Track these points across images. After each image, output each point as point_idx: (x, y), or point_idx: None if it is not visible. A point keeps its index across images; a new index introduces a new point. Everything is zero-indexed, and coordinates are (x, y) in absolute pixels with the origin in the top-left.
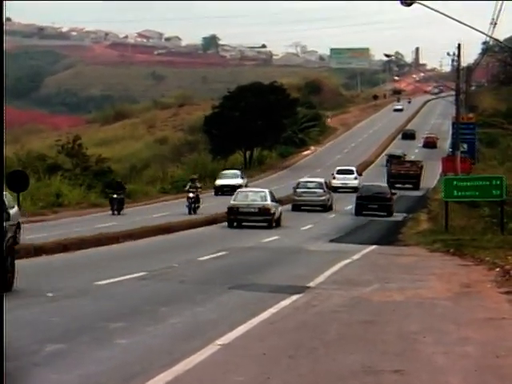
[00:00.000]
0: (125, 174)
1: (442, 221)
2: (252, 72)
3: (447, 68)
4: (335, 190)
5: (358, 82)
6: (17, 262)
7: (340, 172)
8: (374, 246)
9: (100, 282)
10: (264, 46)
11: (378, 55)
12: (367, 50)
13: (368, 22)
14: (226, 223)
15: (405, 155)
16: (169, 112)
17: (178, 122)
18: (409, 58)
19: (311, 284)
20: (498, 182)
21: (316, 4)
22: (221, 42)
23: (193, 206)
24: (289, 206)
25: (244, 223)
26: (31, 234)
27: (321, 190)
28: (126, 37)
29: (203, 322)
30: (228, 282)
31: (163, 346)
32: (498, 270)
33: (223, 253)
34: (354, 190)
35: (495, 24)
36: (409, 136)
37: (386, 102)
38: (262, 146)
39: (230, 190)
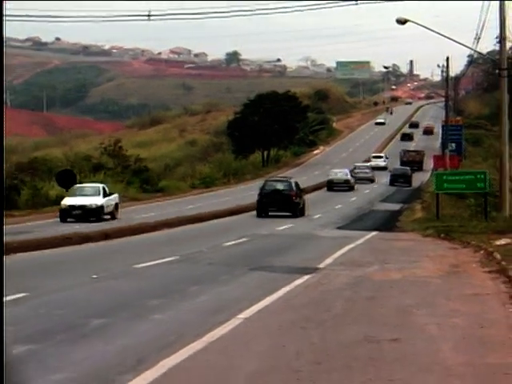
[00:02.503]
0: (160, 171)
1: (434, 210)
2: (269, 83)
3: (438, 78)
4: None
5: (361, 90)
6: (66, 249)
7: (374, 157)
8: (375, 232)
9: (138, 266)
10: (279, 60)
11: (378, 67)
12: (368, 62)
13: (369, 38)
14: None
15: (412, 134)
16: (197, 118)
17: (205, 127)
18: (404, 70)
19: (320, 265)
20: (482, 176)
21: (324, 24)
22: (242, 57)
23: None
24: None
25: (335, 188)
26: (79, 224)
27: (369, 170)
28: (160, 53)
29: (227, 299)
30: (249, 264)
31: (193, 320)
32: (482, 252)
33: (245, 239)
34: (383, 168)
35: (479, 39)
36: (414, 125)
37: (384, 107)
38: (278, 146)
39: (83, 214)
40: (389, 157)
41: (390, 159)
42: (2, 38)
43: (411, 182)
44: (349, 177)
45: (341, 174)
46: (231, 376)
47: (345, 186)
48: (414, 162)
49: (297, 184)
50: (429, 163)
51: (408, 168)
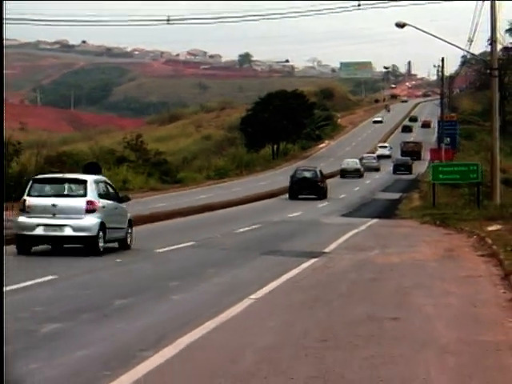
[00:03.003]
0: (178, 164)
1: (430, 199)
2: (278, 82)
3: (434, 77)
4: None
5: (363, 89)
6: None
7: (380, 147)
8: (376, 220)
9: (159, 250)
10: (287, 61)
11: (379, 67)
12: (370, 63)
13: (370, 40)
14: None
15: (412, 126)
16: (212, 114)
17: (220, 123)
18: (403, 69)
19: (326, 250)
20: (475, 168)
21: (329, 27)
22: (253, 59)
23: None
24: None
25: (347, 176)
26: None
27: (375, 160)
28: (178, 55)
29: (240, 281)
30: (260, 248)
31: (209, 300)
32: (475, 237)
33: (257, 226)
34: (388, 157)
35: (471, 41)
36: (413, 119)
37: (384, 104)
38: (287, 140)
39: None
40: (392, 147)
41: (394, 149)
42: (2, 38)
43: (411, 170)
44: (359, 166)
45: (352, 163)
46: (243, 352)
47: (355, 174)
48: (412, 152)
49: (321, 172)
50: (426, 154)
51: (408, 158)
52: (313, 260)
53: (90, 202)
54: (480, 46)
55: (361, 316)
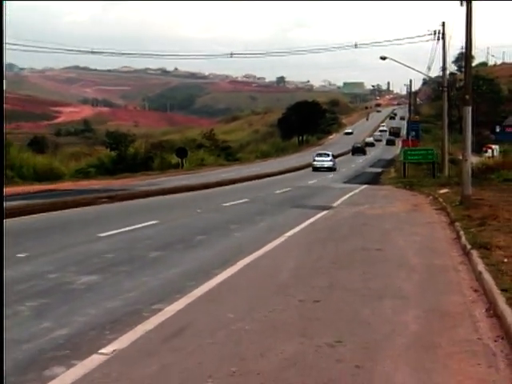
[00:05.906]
0: (237, 148)
1: (402, 172)
2: (302, 95)
3: (404, 92)
4: (380, 131)
5: (357, 100)
6: (179, 195)
7: (381, 126)
8: (366, 185)
9: (225, 204)
10: (309, 81)
11: (368, 86)
12: (362, 83)
13: (363, 68)
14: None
15: (395, 115)
16: (259, 116)
17: (264, 122)
18: (384, 87)
19: (334, 205)
20: (432, 152)
21: (335, 59)
22: (286, 80)
23: None
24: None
25: (367, 146)
26: (188, 180)
27: (380, 136)
28: (237, 77)
29: (278, 225)
30: (290, 204)
31: (257, 236)
32: (431, 197)
33: (288, 189)
34: (385, 131)
35: (430, 68)
36: (395, 114)
37: (371, 110)
38: (308, 133)
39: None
40: (387, 126)
41: (388, 128)
42: (2, 38)
43: (395, 144)
44: (373, 141)
45: (370, 139)
46: (279, 270)
47: (372, 145)
48: (395, 132)
49: (365, 143)
50: (402, 134)
51: (394, 137)
52: (325, 211)
53: (331, 159)
54: (435, 72)
55: (356, 247)
